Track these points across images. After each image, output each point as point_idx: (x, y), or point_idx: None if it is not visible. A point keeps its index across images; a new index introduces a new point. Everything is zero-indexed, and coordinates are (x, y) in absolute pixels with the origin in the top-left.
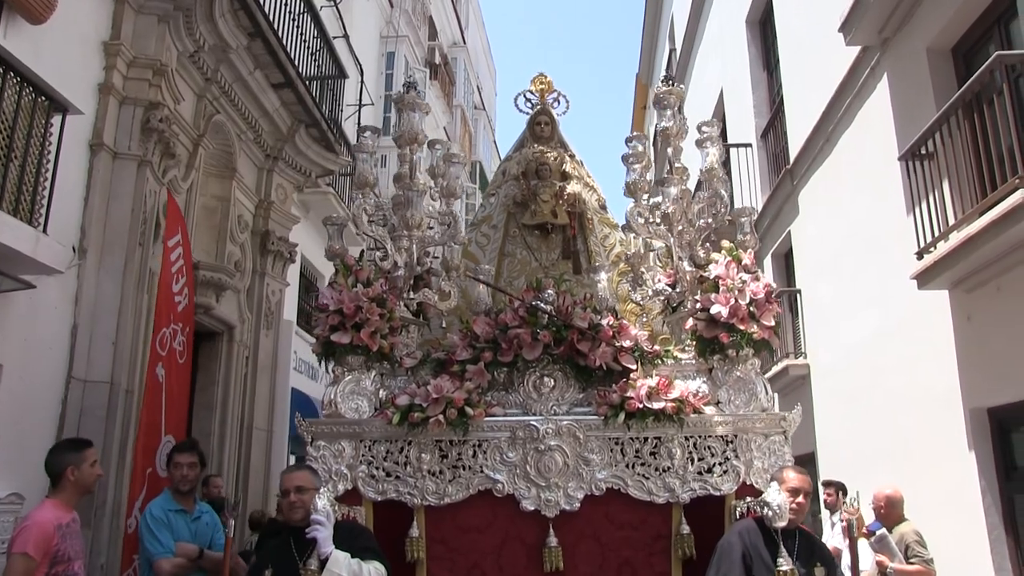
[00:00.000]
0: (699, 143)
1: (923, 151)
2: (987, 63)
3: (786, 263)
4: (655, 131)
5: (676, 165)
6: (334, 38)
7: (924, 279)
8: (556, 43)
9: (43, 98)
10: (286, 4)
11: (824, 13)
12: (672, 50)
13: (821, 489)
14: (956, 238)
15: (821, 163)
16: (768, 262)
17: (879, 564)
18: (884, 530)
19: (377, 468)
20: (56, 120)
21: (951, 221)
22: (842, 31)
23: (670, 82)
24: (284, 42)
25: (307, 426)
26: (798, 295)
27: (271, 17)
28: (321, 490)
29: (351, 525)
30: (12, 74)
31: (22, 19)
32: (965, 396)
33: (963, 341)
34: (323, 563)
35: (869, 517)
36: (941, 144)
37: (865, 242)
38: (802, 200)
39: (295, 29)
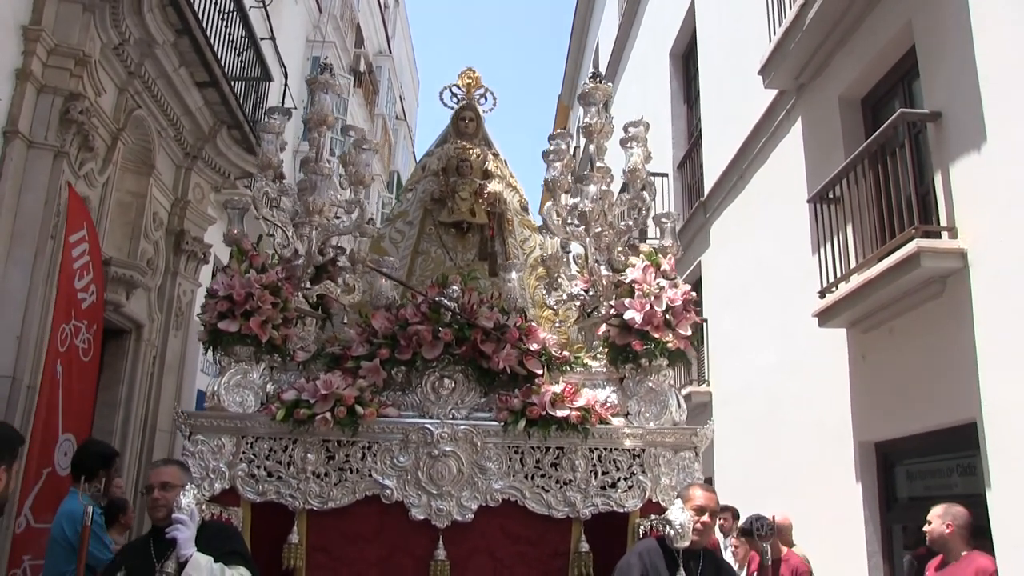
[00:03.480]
0: (623, 142)
1: (830, 195)
2: (891, 119)
3: (695, 292)
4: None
5: (598, 164)
6: (261, 39)
7: (824, 317)
8: (482, 59)
9: None
10: (215, 2)
11: (745, 54)
12: (601, 75)
13: None
14: (856, 280)
15: (734, 198)
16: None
17: None
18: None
19: (258, 467)
20: None
21: (852, 264)
22: (761, 74)
23: (597, 79)
24: (211, 40)
25: (184, 418)
26: (705, 324)
27: (200, 14)
28: (187, 487)
29: (219, 526)
30: None
31: None
32: (856, 430)
33: (857, 378)
34: (182, 566)
35: None
36: (847, 190)
37: (772, 277)
38: (714, 232)
39: (223, 28)
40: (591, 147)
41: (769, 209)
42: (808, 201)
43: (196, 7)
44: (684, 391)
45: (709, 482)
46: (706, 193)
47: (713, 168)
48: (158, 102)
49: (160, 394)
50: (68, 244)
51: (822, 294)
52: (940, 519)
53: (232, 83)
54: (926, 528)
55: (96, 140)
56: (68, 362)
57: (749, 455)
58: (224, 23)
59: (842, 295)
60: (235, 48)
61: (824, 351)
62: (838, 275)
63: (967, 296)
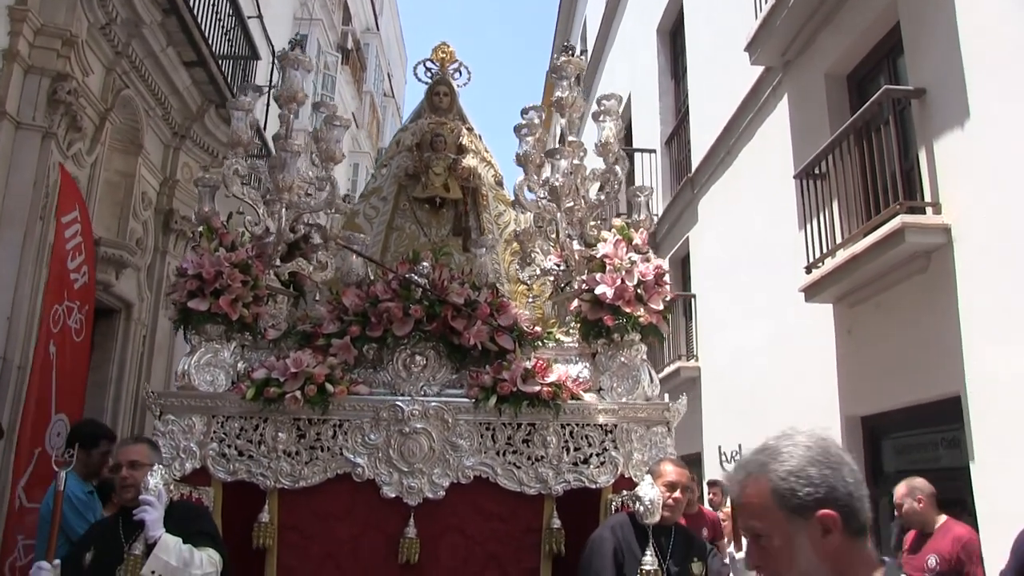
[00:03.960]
0: (596, 116)
1: (816, 171)
2: (876, 95)
3: (683, 268)
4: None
5: (569, 138)
6: (248, 18)
7: (811, 292)
8: (469, 35)
9: None
10: None
11: (732, 30)
12: (583, 51)
13: (706, 489)
14: (842, 256)
15: (721, 174)
16: (665, 266)
17: None
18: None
19: (229, 446)
20: None
21: (839, 239)
22: (748, 51)
23: (570, 52)
24: (198, 19)
25: (155, 398)
26: (693, 299)
27: None
28: (154, 467)
29: (188, 506)
30: None
31: None
32: (842, 404)
33: (843, 352)
34: (150, 547)
35: None
36: (833, 166)
37: (759, 253)
38: (701, 208)
39: (209, 7)
40: (562, 121)
41: (756, 185)
42: (794, 177)
43: None
44: (673, 366)
45: (698, 458)
46: (693, 169)
47: (700, 144)
48: (146, 82)
49: (150, 373)
50: (60, 225)
51: (808, 269)
52: (909, 496)
53: (220, 62)
54: (897, 511)
55: (84, 120)
56: (61, 342)
57: (738, 430)
58: (211, 1)
59: (828, 270)
60: (222, 27)
61: (811, 326)
62: (824, 250)
63: (951, 271)
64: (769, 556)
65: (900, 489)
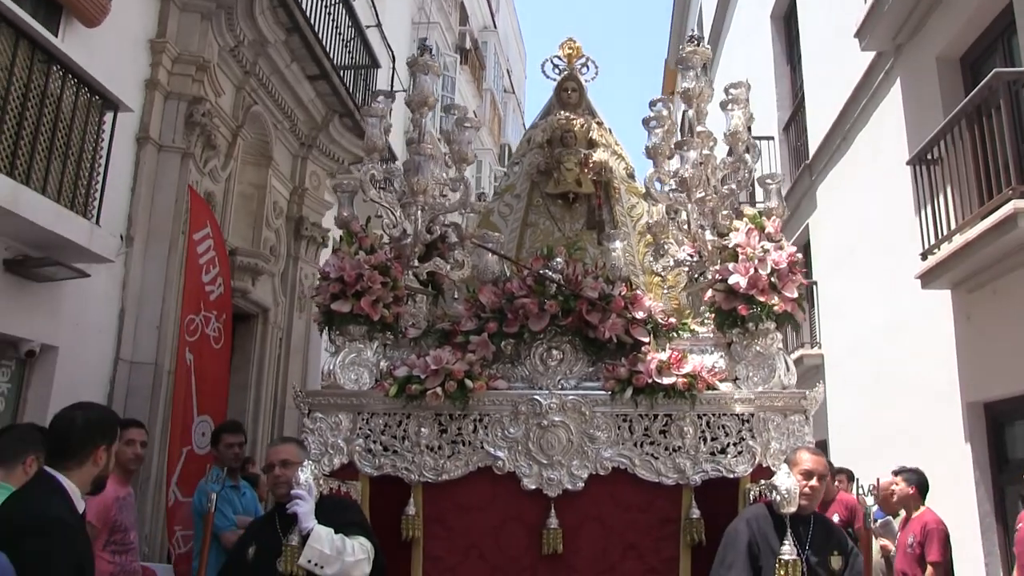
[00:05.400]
0: (723, 105)
1: (930, 157)
2: (986, 79)
3: (805, 255)
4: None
5: (698, 129)
6: (367, 27)
7: (927, 279)
8: (587, 27)
9: (96, 97)
10: None
11: (843, 14)
12: (700, 37)
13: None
14: (957, 241)
15: (838, 160)
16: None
17: (883, 548)
18: (888, 517)
19: (374, 442)
20: (108, 117)
21: (953, 225)
22: (858, 36)
23: (695, 42)
24: (319, 33)
25: (303, 397)
26: (815, 286)
27: (307, 9)
28: (304, 463)
29: (337, 499)
30: (70, 76)
31: (78, 22)
32: (963, 390)
33: (962, 338)
34: (305, 538)
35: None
36: (946, 151)
37: (877, 239)
38: (820, 195)
39: (329, 20)
40: (690, 112)
41: (872, 171)
42: (908, 163)
43: (303, 4)
44: (796, 354)
45: (824, 444)
46: (811, 156)
47: (817, 131)
48: (273, 97)
49: (287, 374)
50: (192, 241)
51: (924, 256)
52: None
53: (341, 73)
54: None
55: (218, 138)
56: (199, 349)
57: (861, 417)
58: (330, 14)
59: (944, 256)
60: (342, 38)
61: (929, 312)
62: (939, 237)
63: None
64: None
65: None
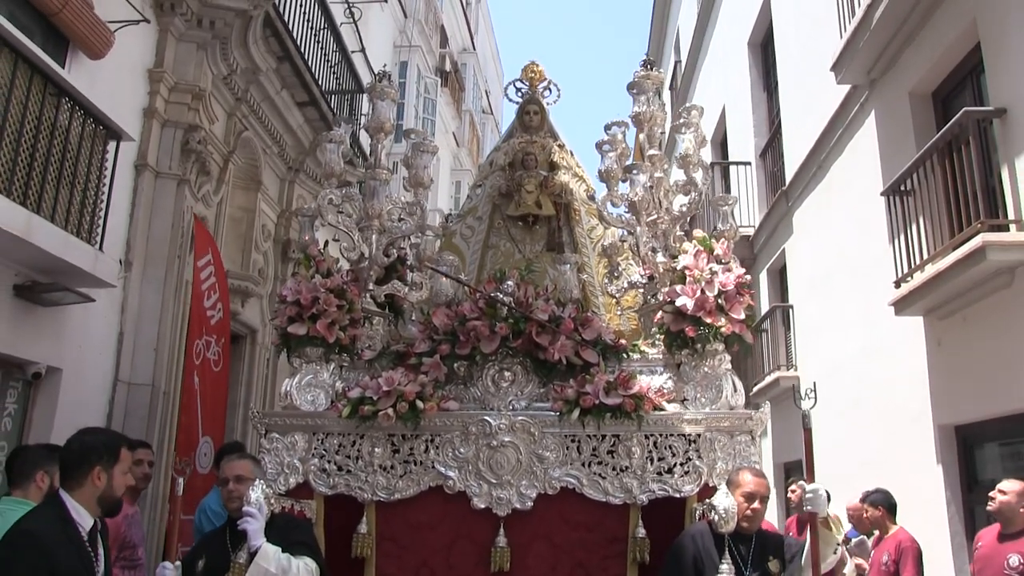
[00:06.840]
0: (676, 128)
1: (903, 188)
2: (956, 117)
3: (780, 279)
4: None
5: (649, 152)
6: (352, 52)
7: (900, 306)
8: (564, 50)
9: (101, 127)
10: (309, 21)
11: (819, 44)
12: (677, 62)
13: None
14: (929, 271)
15: (814, 187)
16: (763, 277)
17: (858, 567)
18: (863, 536)
19: (329, 462)
20: (111, 146)
21: (925, 255)
22: (833, 70)
23: (649, 66)
24: (307, 60)
25: (260, 417)
26: (791, 310)
27: (296, 36)
28: (256, 481)
29: (289, 518)
30: (78, 107)
31: (83, 55)
32: (935, 414)
33: (934, 364)
34: (252, 556)
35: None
36: (918, 184)
37: (851, 266)
38: (796, 220)
39: (316, 46)
40: (641, 136)
41: (848, 199)
42: (882, 194)
43: (292, 27)
44: (772, 376)
45: (799, 465)
46: (787, 182)
47: (793, 157)
48: (263, 123)
49: (275, 394)
50: (197, 268)
51: (897, 284)
52: (1017, 495)
53: (328, 98)
54: (992, 504)
55: (211, 164)
56: (203, 373)
57: (835, 439)
58: (317, 40)
59: (916, 285)
60: (328, 63)
61: (903, 338)
62: (912, 266)
63: None
64: None
65: (1012, 484)
